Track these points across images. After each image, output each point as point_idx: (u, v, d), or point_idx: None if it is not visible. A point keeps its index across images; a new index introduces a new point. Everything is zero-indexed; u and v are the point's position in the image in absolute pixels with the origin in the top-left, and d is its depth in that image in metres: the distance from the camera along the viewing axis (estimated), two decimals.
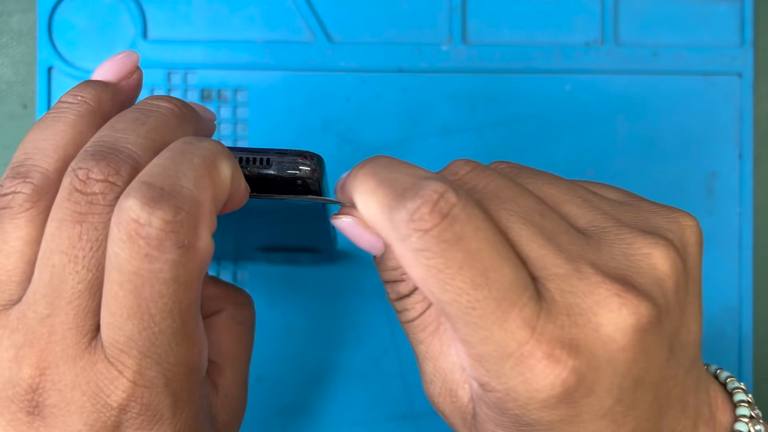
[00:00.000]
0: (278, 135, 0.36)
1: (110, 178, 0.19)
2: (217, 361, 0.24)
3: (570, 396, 0.18)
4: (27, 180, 0.20)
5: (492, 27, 0.36)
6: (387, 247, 0.21)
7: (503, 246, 0.19)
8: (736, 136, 0.36)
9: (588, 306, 0.19)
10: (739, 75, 0.37)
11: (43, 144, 0.20)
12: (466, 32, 0.36)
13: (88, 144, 0.20)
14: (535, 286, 0.19)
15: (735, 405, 0.22)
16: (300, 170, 0.22)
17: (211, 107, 0.35)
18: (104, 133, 0.20)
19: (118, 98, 0.23)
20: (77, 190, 0.19)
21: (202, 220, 0.18)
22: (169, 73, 0.35)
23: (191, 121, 0.22)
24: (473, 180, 0.21)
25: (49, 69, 0.35)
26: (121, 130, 0.20)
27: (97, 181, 0.19)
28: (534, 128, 0.36)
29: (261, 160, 0.22)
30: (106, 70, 0.23)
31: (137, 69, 0.24)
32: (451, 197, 0.18)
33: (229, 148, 0.22)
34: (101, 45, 0.35)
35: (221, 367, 0.24)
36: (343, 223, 0.21)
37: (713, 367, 0.24)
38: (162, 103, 0.21)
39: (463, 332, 0.19)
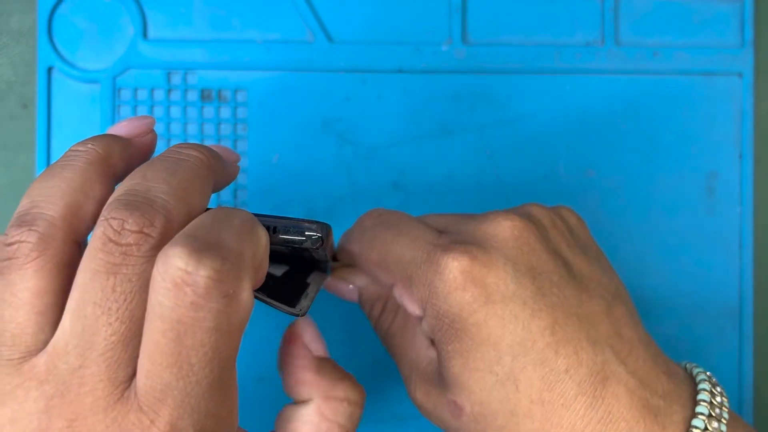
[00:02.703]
0: (278, 135, 0.36)
1: (145, 230, 0.19)
2: None
3: (472, 273, 0.24)
4: (32, 228, 0.19)
5: (492, 27, 0.36)
6: (364, 283, 0.29)
7: (413, 217, 0.28)
8: (737, 136, 0.36)
9: (474, 225, 0.26)
10: (740, 75, 0.37)
11: (49, 191, 0.20)
12: (466, 32, 0.36)
13: (119, 191, 0.20)
14: (440, 233, 0.26)
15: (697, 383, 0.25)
16: (305, 236, 0.22)
17: (211, 107, 0.35)
18: (136, 181, 0.20)
19: (128, 152, 0.23)
20: (111, 241, 0.19)
21: (245, 272, 0.19)
22: (169, 73, 0.35)
23: (218, 170, 0.22)
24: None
25: (49, 69, 0.35)
26: (153, 179, 0.20)
27: (132, 232, 0.19)
28: (534, 128, 0.36)
29: (268, 227, 0.22)
30: (119, 128, 0.23)
31: (152, 131, 0.24)
32: (378, 208, 0.29)
33: None
34: (101, 45, 0.35)
35: None
36: (330, 283, 0.29)
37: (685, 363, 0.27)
38: (191, 152, 0.21)
39: (399, 273, 0.26)
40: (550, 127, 0.36)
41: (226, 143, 0.35)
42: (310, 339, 0.25)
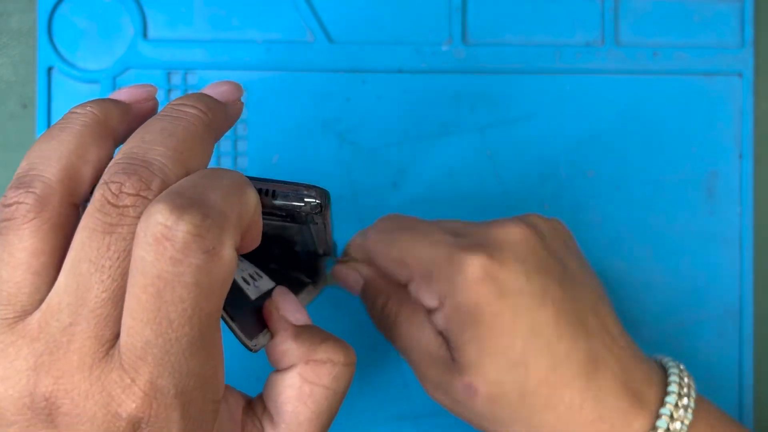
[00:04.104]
0: (278, 135, 0.36)
1: (141, 192, 0.19)
2: (274, 416, 0.23)
3: (489, 270, 0.27)
4: (30, 190, 0.20)
5: (492, 27, 0.36)
6: (369, 277, 0.32)
7: (434, 224, 0.30)
8: (736, 136, 0.36)
9: (485, 229, 0.29)
10: (739, 75, 0.37)
11: (47, 153, 0.21)
12: (466, 32, 0.36)
13: (119, 155, 0.20)
14: (456, 236, 0.29)
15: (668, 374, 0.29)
16: (305, 203, 0.22)
17: None
18: (134, 144, 0.20)
19: (127, 117, 0.23)
20: (109, 203, 0.19)
21: (228, 230, 0.19)
22: (169, 73, 0.35)
23: (218, 122, 0.22)
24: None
25: (49, 69, 0.35)
26: (151, 142, 0.20)
27: (129, 195, 0.19)
28: (534, 128, 0.36)
29: (266, 191, 0.22)
30: (120, 94, 0.24)
31: (153, 99, 0.24)
32: (392, 214, 0.32)
33: None
34: (101, 45, 0.35)
35: (276, 423, 0.23)
36: (339, 271, 0.32)
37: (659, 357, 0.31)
38: (188, 110, 0.21)
39: (419, 269, 0.29)
40: (550, 127, 0.36)
41: (226, 143, 0.35)
42: (287, 310, 0.24)
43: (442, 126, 0.36)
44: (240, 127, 0.36)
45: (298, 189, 0.22)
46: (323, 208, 0.22)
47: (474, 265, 0.27)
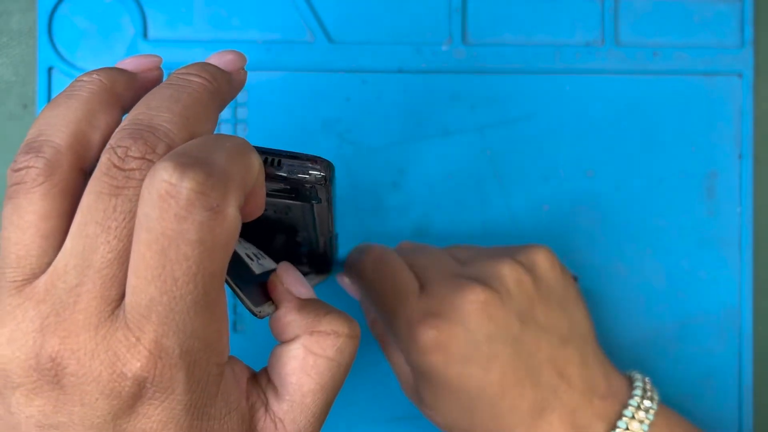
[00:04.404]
0: (278, 135, 0.36)
1: (147, 156, 0.19)
2: (278, 387, 0.23)
3: (438, 342, 0.29)
4: (39, 155, 0.20)
5: (492, 27, 0.36)
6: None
7: (403, 269, 0.32)
8: (736, 136, 0.36)
9: (448, 292, 0.30)
10: (739, 75, 0.37)
11: (55, 119, 0.21)
12: (466, 32, 0.36)
13: (125, 122, 0.20)
14: (421, 288, 0.31)
15: (632, 389, 0.31)
16: (310, 174, 0.22)
17: None
18: (140, 111, 0.20)
19: (133, 85, 0.23)
20: (115, 166, 0.19)
21: (231, 190, 0.19)
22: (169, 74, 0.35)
23: (223, 91, 0.23)
24: (403, 249, 0.34)
25: (49, 69, 0.35)
26: (156, 108, 0.20)
27: (134, 158, 0.19)
28: (534, 128, 0.36)
29: (272, 161, 0.22)
30: (126, 63, 0.24)
31: (158, 69, 0.24)
32: (379, 250, 0.32)
33: None
34: (101, 45, 0.35)
35: (280, 395, 0.23)
36: (342, 279, 0.34)
37: (631, 372, 0.33)
38: (193, 78, 0.22)
39: (386, 318, 0.31)
40: (550, 127, 0.36)
41: None
42: (291, 283, 0.25)
43: (442, 126, 0.36)
44: (240, 127, 0.36)
45: (302, 160, 0.22)
46: (327, 180, 0.22)
47: (424, 339, 0.29)
